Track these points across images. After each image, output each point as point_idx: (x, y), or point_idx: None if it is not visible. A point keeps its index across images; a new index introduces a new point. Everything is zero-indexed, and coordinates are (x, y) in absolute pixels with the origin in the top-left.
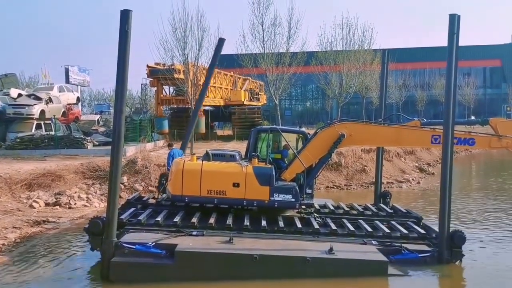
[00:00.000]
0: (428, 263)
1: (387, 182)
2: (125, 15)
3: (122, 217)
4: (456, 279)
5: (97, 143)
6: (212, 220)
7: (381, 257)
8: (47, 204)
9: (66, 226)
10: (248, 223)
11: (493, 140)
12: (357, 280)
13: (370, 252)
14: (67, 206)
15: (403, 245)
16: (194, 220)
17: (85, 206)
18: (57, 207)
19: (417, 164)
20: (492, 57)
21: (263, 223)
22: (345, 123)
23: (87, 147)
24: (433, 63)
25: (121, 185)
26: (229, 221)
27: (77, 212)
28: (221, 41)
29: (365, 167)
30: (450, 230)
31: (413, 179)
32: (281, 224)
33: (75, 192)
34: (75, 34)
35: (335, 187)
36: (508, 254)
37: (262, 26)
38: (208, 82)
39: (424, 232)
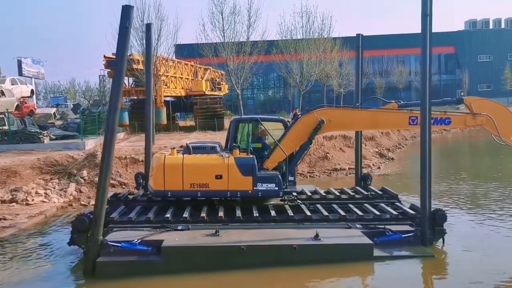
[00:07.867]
0: (411, 243)
1: (349, 168)
2: (127, 11)
3: (113, 215)
4: (438, 259)
5: (54, 137)
6: (203, 214)
7: (366, 240)
8: (3, 202)
9: (24, 223)
10: (240, 214)
11: (468, 118)
12: (344, 264)
13: (355, 236)
14: (24, 202)
15: (386, 226)
16: (186, 214)
17: (44, 202)
18: (14, 204)
19: (377, 150)
20: (446, 44)
21: (255, 213)
22: (324, 109)
23: (43, 142)
24: (390, 50)
25: (81, 179)
26: (221, 213)
27: (35, 208)
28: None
29: (327, 154)
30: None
31: (373, 165)
32: (273, 213)
33: (33, 188)
34: (28, 25)
35: (298, 174)
36: (487, 234)
37: (222, 15)
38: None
39: (413, 212)
